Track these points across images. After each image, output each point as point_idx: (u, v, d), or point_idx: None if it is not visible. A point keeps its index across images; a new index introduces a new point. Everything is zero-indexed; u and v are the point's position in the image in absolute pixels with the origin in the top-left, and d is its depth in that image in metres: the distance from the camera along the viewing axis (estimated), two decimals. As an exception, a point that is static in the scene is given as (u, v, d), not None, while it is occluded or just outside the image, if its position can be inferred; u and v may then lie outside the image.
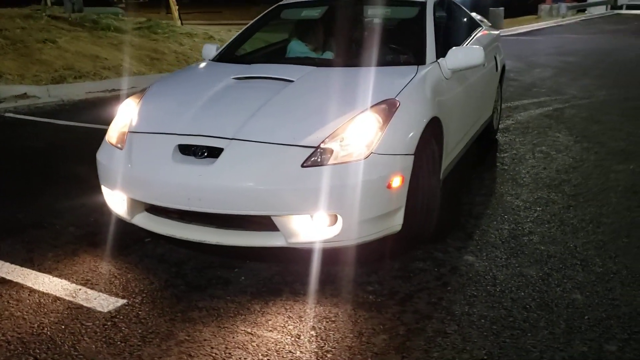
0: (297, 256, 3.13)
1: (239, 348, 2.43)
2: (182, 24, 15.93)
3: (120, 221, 3.43)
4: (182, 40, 12.37)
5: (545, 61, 12.11)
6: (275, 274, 3.06)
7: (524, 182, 4.49)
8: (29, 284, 2.99)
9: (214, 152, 2.95)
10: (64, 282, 3.01)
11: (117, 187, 3.18)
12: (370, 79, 3.44)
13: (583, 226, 3.65)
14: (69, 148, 5.76)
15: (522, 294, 2.84)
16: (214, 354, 2.39)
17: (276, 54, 4.52)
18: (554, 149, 5.41)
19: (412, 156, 3.05)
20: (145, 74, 10.11)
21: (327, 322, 2.62)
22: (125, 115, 3.45)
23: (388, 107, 3.05)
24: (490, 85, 5.20)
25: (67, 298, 2.85)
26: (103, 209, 3.64)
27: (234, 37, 4.61)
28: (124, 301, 2.82)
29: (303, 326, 2.59)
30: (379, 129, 2.95)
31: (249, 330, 2.56)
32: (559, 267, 3.11)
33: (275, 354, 2.39)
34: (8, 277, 3.06)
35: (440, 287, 2.93)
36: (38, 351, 2.43)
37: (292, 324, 2.61)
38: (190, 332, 2.55)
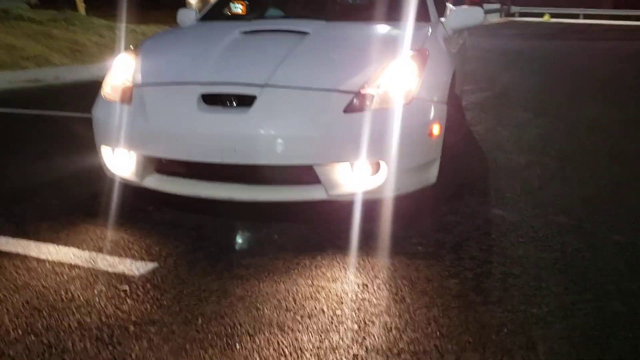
0: (322, 216, 2.95)
1: (309, 299, 2.22)
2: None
3: (110, 191, 3.11)
4: (103, 32, 11.70)
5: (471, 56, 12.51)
6: (308, 233, 2.85)
7: (510, 149, 4.52)
8: (33, 254, 2.60)
9: (245, 101, 2.71)
10: (74, 249, 2.65)
11: (127, 146, 2.86)
12: (389, 31, 3.32)
13: (586, 180, 3.71)
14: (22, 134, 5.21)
15: (567, 238, 2.81)
16: (284, 306, 2.17)
17: (270, 14, 4.27)
18: (520, 122, 5.54)
19: (446, 105, 2.96)
20: (67, 64, 9.50)
21: (388, 271, 2.46)
22: (124, 69, 3.12)
23: (421, 55, 2.94)
24: (464, 55, 5.24)
25: (85, 265, 2.51)
26: (82, 183, 3.27)
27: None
28: (154, 264, 2.51)
29: (365, 276, 2.41)
30: (417, 76, 2.84)
31: (310, 282, 2.35)
32: (586, 214, 3.12)
33: (350, 302, 2.20)
34: (4, 249, 2.65)
35: (483, 235, 2.84)
36: (79, 315, 2.09)
37: (353, 274, 2.43)
38: (247, 287, 2.30)
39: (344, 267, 2.50)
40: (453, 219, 3.05)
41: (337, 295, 2.25)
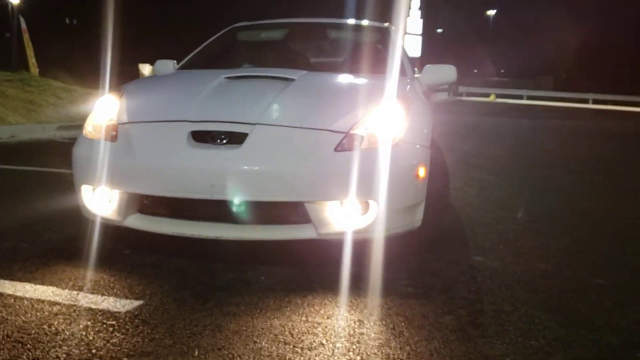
0: (307, 258, 2.93)
1: (306, 333, 2.16)
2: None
3: (84, 235, 3.04)
4: (59, 94, 11.60)
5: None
6: (295, 273, 2.81)
7: (480, 206, 4.62)
8: (9, 292, 2.47)
9: (236, 138, 2.72)
10: (53, 288, 2.53)
11: (111, 183, 2.80)
12: (371, 81, 3.42)
13: (559, 234, 3.81)
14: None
15: (550, 282, 2.86)
16: (282, 340, 2.10)
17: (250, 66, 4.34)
18: (486, 184, 5.70)
19: (429, 150, 3.03)
20: (23, 123, 9.37)
21: (382, 309, 2.43)
22: (107, 109, 3.09)
23: (405, 101, 3.04)
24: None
25: (66, 302, 2.39)
26: (50, 228, 3.19)
27: (190, 55, 4.40)
28: (140, 302, 2.41)
29: (360, 313, 2.37)
30: (403, 119, 2.91)
31: (305, 318, 2.29)
32: (565, 262, 3.19)
33: (349, 336, 2.15)
34: (-25, 288, 2.51)
35: (470, 279, 2.86)
36: (67, 347, 1.98)
37: (346, 311, 2.38)
38: (241, 323, 2.23)
39: (336, 305, 2.45)
40: (437, 265, 3.06)
41: (334, 330, 2.20)
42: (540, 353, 2.07)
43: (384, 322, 2.28)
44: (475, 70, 58.53)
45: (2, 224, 3.61)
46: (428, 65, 3.97)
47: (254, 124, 2.75)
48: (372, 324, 2.27)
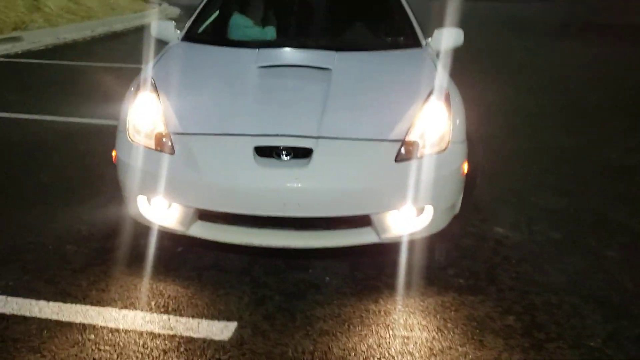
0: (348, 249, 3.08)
1: (404, 353, 2.42)
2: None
3: (135, 238, 3.12)
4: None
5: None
6: (351, 270, 3.03)
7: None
8: (101, 323, 2.55)
9: (301, 153, 2.78)
10: (141, 313, 2.63)
11: (172, 197, 2.82)
12: (399, 64, 3.49)
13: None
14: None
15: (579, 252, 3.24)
16: (388, 364, 2.36)
17: (255, 33, 4.17)
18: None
19: (466, 141, 3.20)
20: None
21: (448, 312, 2.70)
22: (149, 112, 3.02)
23: (446, 99, 3.14)
24: None
25: (165, 332, 2.51)
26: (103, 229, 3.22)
27: (194, 16, 4.19)
28: (234, 323, 2.57)
29: (434, 319, 2.64)
30: (448, 119, 3.04)
31: (392, 332, 2.55)
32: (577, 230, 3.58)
33: (441, 353, 2.43)
34: (63, 319, 2.57)
35: (504, 261, 3.18)
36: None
37: (426, 319, 2.64)
38: (340, 345, 2.45)
39: (410, 311, 2.70)
40: (468, 242, 3.36)
41: (427, 347, 2.46)
42: (603, 357, 2.44)
43: (461, 329, 2.57)
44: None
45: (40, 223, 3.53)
46: (437, 29, 4.00)
47: (317, 138, 2.80)
48: (450, 332, 2.55)
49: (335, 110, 2.98)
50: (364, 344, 2.47)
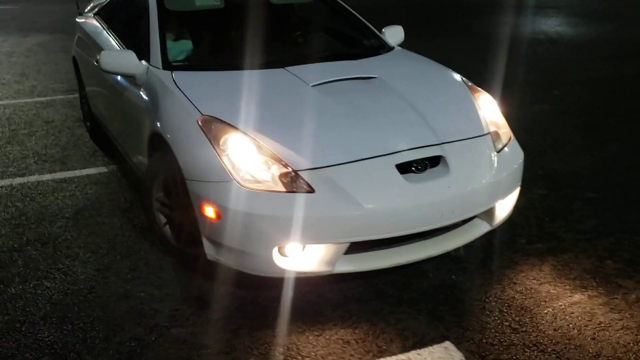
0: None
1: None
2: None
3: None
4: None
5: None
6: (455, 260, 3.17)
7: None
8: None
9: (435, 161, 2.83)
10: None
11: (320, 238, 2.60)
12: (408, 65, 3.74)
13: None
14: None
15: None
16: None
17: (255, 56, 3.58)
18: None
19: None
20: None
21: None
22: (250, 155, 2.69)
23: (471, 86, 3.49)
24: None
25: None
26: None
27: (158, 44, 3.49)
28: (450, 344, 2.52)
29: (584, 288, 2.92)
30: (498, 109, 3.36)
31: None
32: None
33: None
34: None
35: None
36: None
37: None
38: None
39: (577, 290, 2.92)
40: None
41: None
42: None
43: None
44: None
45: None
46: (384, 28, 4.16)
47: (440, 145, 2.85)
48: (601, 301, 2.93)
49: (428, 115, 3.04)
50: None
